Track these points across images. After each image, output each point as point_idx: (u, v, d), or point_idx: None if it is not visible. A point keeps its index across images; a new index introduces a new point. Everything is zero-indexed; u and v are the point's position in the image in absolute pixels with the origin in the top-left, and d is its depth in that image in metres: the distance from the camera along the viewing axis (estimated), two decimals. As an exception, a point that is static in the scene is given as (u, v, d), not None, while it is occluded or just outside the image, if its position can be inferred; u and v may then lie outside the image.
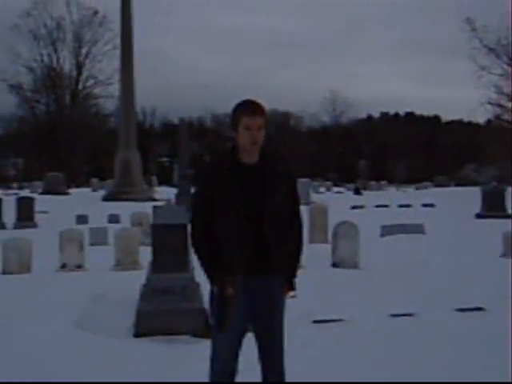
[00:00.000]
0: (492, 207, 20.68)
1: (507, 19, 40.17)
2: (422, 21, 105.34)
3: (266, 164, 3.43)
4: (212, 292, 3.42)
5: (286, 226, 3.45)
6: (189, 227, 3.52)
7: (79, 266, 10.29)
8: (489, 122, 51.92)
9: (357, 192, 36.40)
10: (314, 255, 9.82)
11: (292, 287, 3.51)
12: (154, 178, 43.63)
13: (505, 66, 42.30)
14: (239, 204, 3.33)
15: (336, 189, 43.44)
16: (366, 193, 36.52)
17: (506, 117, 44.34)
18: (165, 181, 45.98)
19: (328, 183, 46.21)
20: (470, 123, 64.00)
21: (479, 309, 6.87)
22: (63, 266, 10.27)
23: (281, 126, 68.37)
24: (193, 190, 3.59)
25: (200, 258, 3.43)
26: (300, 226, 3.58)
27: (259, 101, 3.43)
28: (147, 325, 5.93)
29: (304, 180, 30.59)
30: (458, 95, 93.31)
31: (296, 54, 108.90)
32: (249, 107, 3.37)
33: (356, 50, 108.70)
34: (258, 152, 3.41)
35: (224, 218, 3.36)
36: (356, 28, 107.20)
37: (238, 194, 3.34)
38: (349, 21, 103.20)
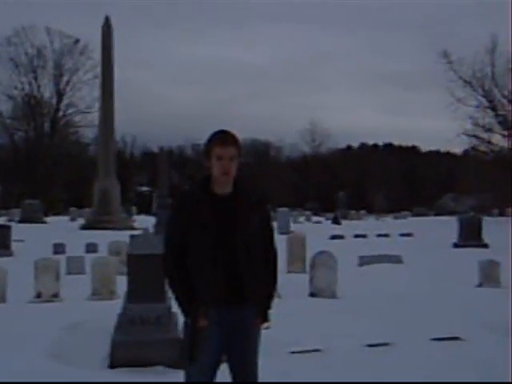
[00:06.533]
0: (469, 237, 20.80)
1: (481, 53, 41.24)
2: (400, 52, 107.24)
3: (240, 195, 3.42)
4: (186, 323, 3.40)
5: (259, 258, 3.43)
6: (162, 258, 3.49)
7: (55, 296, 10.16)
8: (466, 152, 52.54)
9: (335, 222, 36.51)
10: (291, 285, 9.83)
11: (266, 319, 3.48)
12: (133, 207, 43.38)
13: (480, 98, 43.07)
14: (212, 236, 3.32)
15: (315, 218, 43.55)
16: (345, 222, 36.61)
17: (483, 148, 45.00)
18: (144, 210, 45.75)
19: (307, 213, 46.30)
20: (447, 154, 64.78)
21: (455, 338, 6.89)
22: (38, 296, 10.13)
23: (261, 155, 68.65)
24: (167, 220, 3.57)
25: (173, 289, 3.41)
26: (274, 257, 3.56)
27: (233, 132, 3.44)
28: (122, 355, 5.84)
29: (283, 210, 30.69)
30: (436, 126, 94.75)
31: (272, 85, 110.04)
32: (220, 137, 3.38)
33: (334, 81, 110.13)
34: (232, 183, 3.41)
35: (197, 250, 3.35)
36: (332, 59, 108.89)
37: (211, 225, 3.33)
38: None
